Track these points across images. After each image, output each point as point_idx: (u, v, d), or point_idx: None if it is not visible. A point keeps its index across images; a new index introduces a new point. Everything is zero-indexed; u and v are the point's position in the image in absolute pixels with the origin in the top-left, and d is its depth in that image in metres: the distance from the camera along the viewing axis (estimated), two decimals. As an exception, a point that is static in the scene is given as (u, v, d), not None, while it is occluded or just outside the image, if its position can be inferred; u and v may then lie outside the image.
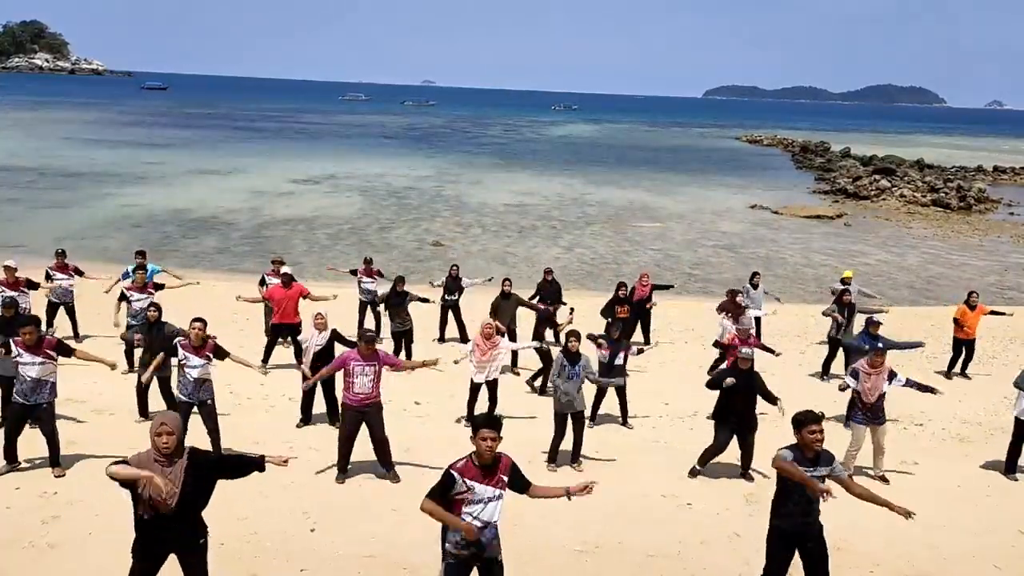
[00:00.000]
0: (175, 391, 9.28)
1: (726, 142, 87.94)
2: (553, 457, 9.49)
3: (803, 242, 29.45)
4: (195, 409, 9.03)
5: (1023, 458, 9.79)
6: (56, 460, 8.57)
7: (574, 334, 9.58)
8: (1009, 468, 9.74)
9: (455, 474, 5.31)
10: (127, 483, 5.14)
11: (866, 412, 9.42)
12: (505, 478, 5.46)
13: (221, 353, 9.16)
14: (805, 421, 6.09)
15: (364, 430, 8.79)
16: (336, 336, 10.31)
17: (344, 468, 8.82)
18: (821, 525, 6.29)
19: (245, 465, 5.55)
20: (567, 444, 9.56)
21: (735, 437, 9.24)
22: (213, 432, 9.08)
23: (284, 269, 13.25)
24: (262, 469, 5.57)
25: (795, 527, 6.20)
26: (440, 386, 12.27)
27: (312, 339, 10.21)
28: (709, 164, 60.05)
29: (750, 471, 9.35)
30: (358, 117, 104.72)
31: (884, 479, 9.50)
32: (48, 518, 7.61)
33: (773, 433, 9.72)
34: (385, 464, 8.87)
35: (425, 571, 7.02)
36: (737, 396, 9.10)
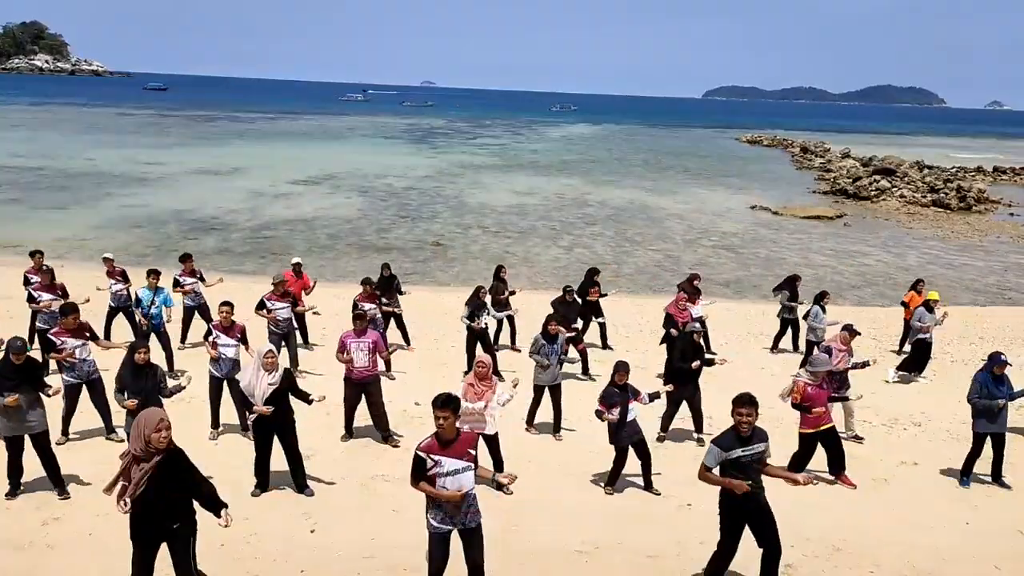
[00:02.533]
0: (211, 370, 9.79)
1: (726, 142, 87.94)
2: (531, 421, 10.69)
3: (803, 242, 29.45)
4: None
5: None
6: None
7: (553, 318, 10.56)
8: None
9: (420, 453, 5.96)
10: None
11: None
12: (472, 452, 6.03)
13: (246, 339, 10.00)
14: (735, 402, 6.49)
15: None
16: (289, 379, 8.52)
17: (350, 431, 9.95)
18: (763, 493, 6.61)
19: (211, 502, 5.95)
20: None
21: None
22: (242, 404, 8.96)
23: (294, 259, 14.18)
24: (217, 514, 5.94)
25: (741, 501, 6.49)
26: (440, 387, 12.26)
27: (262, 380, 8.24)
28: (709, 164, 60.05)
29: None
30: (358, 118, 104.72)
31: (858, 438, 10.63)
32: (48, 518, 7.61)
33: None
34: (383, 430, 9.70)
35: (425, 572, 7.02)
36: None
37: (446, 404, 5.93)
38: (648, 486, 8.96)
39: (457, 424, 6.10)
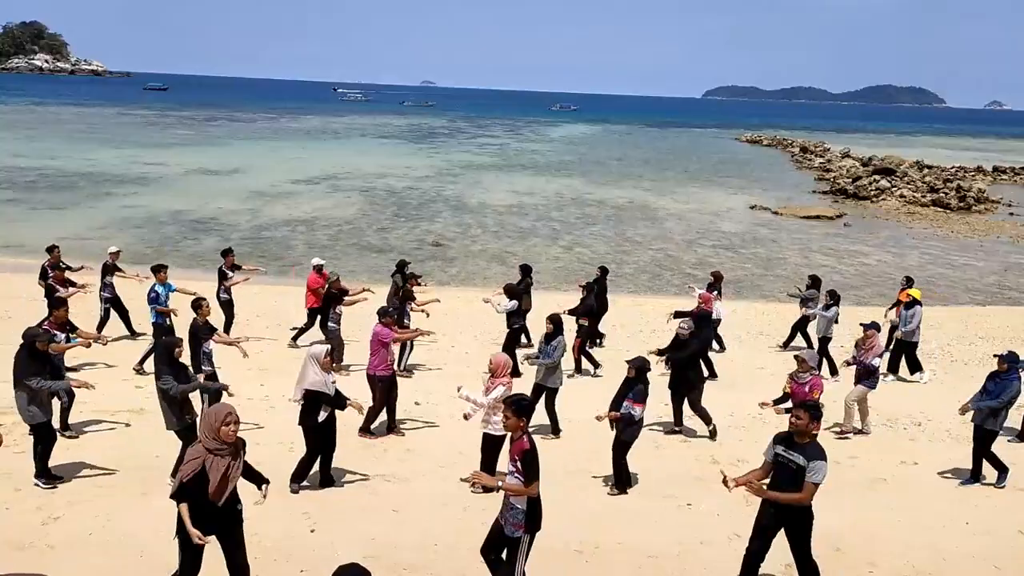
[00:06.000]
0: (203, 365, 9.57)
1: (726, 142, 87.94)
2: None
3: (803, 242, 29.46)
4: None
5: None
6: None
7: (549, 318, 10.48)
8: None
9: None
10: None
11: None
12: (518, 461, 5.95)
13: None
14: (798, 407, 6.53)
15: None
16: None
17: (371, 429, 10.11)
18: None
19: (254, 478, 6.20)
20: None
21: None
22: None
23: (315, 261, 14.69)
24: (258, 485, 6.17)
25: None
26: (440, 387, 12.27)
27: (328, 380, 8.43)
28: (709, 164, 60.06)
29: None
30: (358, 117, 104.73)
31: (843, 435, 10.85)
32: (48, 518, 7.61)
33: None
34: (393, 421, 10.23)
35: (425, 571, 7.03)
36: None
37: (507, 403, 6.13)
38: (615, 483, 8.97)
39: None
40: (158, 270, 12.65)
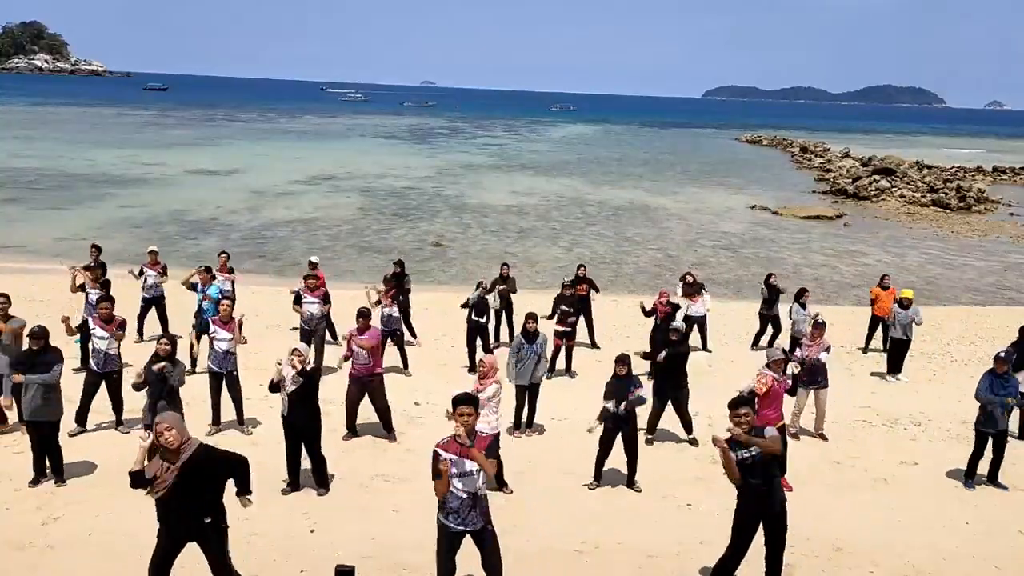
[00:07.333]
0: (208, 363, 10.12)
1: (726, 142, 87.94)
2: (518, 425, 10.49)
3: (803, 242, 29.44)
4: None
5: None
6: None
7: (532, 316, 10.48)
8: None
9: (438, 450, 5.91)
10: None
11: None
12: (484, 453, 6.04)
13: (237, 332, 10.17)
14: (732, 406, 6.52)
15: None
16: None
17: (352, 428, 10.10)
18: (783, 505, 6.60)
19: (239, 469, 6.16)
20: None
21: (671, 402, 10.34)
22: (237, 400, 10.12)
23: (311, 259, 14.46)
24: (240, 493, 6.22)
25: (759, 507, 6.49)
26: (440, 387, 12.27)
27: (290, 376, 8.47)
28: (709, 164, 60.05)
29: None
30: (358, 118, 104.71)
31: (823, 437, 10.68)
32: (48, 518, 7.61)
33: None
34: (385, 426, 10.13)
35: (425, 571, 7.03)
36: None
37: (468, 401, 5.96)
38: (629, 483, 9.04)
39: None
40: (204, 271, 13.06)
